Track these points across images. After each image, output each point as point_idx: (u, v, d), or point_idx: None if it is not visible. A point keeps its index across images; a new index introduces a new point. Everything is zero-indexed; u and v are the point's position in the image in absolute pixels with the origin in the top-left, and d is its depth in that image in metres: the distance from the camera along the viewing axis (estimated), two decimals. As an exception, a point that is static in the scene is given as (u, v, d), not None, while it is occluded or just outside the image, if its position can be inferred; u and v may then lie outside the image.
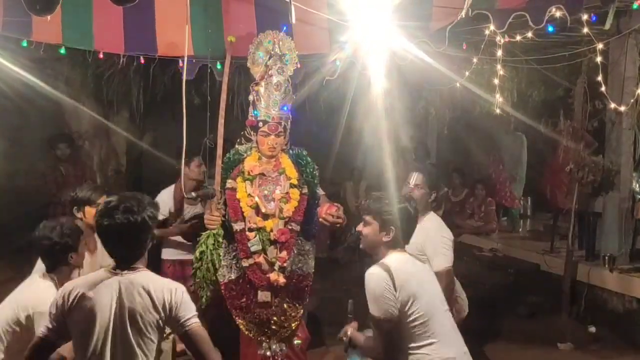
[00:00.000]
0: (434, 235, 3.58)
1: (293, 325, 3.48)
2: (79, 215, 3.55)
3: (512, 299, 6.01)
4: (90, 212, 3.46)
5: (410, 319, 2.63)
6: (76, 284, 2.41)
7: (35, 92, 5.94)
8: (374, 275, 2.66)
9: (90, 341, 2.30)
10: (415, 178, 3.74)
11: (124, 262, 2.40)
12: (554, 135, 5.91)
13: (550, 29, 3.97)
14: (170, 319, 2.36)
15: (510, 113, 6.51)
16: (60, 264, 2.94)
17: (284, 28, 3.58)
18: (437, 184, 3.80)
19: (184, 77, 3.47)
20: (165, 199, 4.66)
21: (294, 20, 2.35)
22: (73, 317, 2.33)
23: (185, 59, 3.51)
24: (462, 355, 2.75)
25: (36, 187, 6.51)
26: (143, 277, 2.39)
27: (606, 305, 5.61)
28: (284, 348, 3.45)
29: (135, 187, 8.63)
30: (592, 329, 5.46)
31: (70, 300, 2.34)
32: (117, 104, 6.71)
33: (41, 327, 2.42)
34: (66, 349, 2.51)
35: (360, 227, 2.85)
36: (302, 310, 3.53)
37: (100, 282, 2.36)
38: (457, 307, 3.74)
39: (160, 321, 2.35)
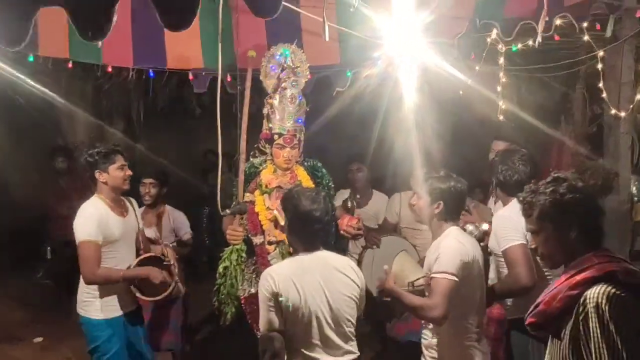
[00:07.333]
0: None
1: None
2: (102, 178, 3.42)
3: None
4: (115, 172, 3.41)
5: None
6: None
7: (33, 102, 5.81)
8: None
9: None
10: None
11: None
12: (555, 139, 5.96)
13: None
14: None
15: (512, 119, 6.55)
16: None
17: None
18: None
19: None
20: None
21: (327, 38, 2.35)
22: None
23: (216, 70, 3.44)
24: None
25: (30, 199, 6.34)
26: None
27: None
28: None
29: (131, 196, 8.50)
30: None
31: None
32: (114, 114, 6.63)
33: None
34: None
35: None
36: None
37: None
38: None
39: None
